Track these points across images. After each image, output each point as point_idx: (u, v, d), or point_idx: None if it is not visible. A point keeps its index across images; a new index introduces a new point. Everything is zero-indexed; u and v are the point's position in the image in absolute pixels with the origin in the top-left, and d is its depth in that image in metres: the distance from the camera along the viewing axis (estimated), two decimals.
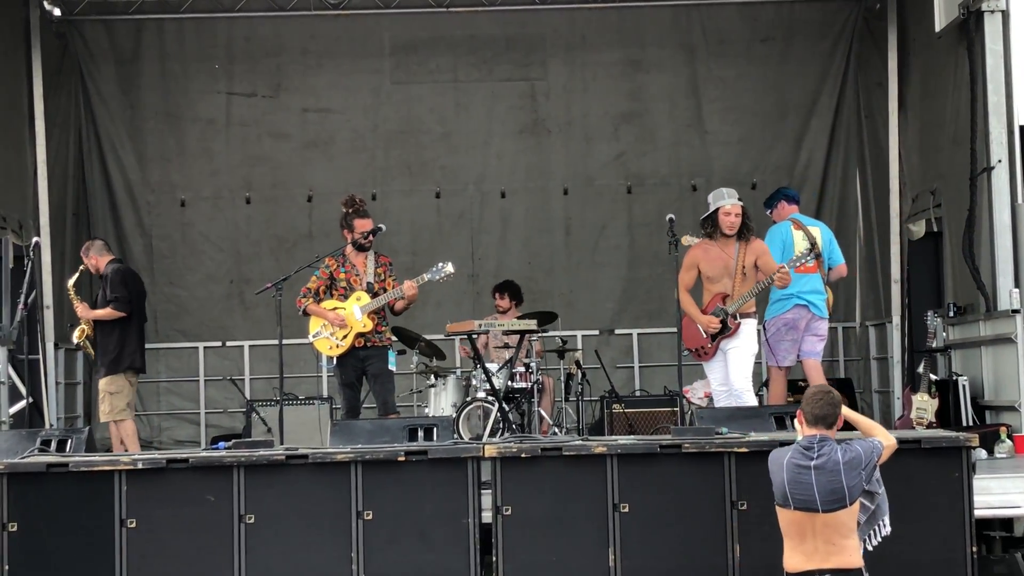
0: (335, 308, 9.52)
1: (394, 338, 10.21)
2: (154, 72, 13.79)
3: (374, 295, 9.52)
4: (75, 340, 10.44)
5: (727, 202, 9.16)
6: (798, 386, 10.48)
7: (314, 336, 9.59)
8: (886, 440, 6.28)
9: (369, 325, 9.47)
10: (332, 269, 9.62)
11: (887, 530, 6.32)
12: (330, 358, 9.62)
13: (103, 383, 10.13)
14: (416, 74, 13.97)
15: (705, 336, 9.24)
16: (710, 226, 9.24)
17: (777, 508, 6.22)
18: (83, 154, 13.69)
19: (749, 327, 9.27)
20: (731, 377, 9.23)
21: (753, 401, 9.26)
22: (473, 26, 13.86)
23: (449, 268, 9.58)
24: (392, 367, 9.71)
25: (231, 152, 13.98)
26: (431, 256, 13.06)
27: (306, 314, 9.66)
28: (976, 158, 10.47)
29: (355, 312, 9.46)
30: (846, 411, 6.33)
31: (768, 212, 10.15)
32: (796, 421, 6.50)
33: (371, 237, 9.67)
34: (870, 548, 6.31)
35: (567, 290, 14.01)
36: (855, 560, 6.08)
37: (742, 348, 9.23)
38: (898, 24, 12.75)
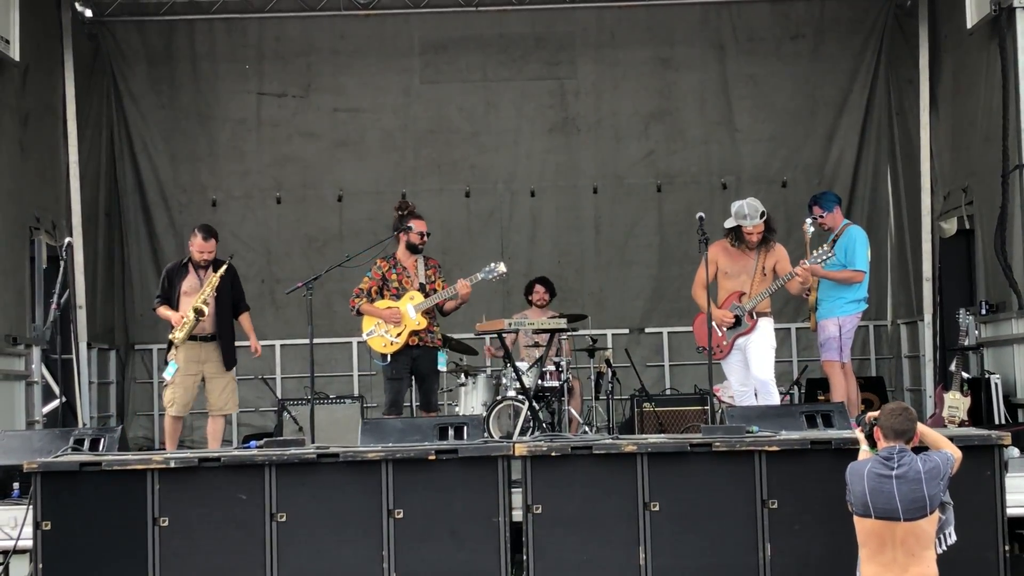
0: (389, 307, 9.67)
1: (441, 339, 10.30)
2: (185, 72, 13.86)
3: (427, 295, 9.69)
4: (191, 317, 9.63)
5: (748, 223, 9.26)
6: (827, 384, 10.42)
7: (368, 335, 9.74)
8: (955, 452, 6.40)
9: (423, 323, 9.67)
10: (384, 271, 9.81)
11: (953, 539, 6.37)
12: (383, 356, 9.70)
13: (232, 374, 9.97)
14: (445, 73, 13.98)
15: (720, 333, 9.24)
16: (733, 236, 9.34)
17: (856, 519, 6.30)
18: (115, 154, 13.77)
19: (766, 324, 9.34)
20: (754, 369, 9.24)
21: (776, 393, 9.27)
22: (502, 25, 13.86)
23: (502, 268, 9.80)
24: (442, 368, 9.99)
25: (261, 152, 14.03)
26: (461, 255, 13.15)
27: (359, 313, 9.79)
28: (1008, 155, 10.40)
29: (409, 311, 9.65)
30: (918, 426, 6.42)
31: (822, 213, 10.07)
32: (857, 431, 6.60)
33: (425, 239, 9.91)
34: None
35: (597, 289, 14.00)
36: (932, 571, 6.16)
37: (762, 343, 9.28)
38: (929, 21, 12.68)
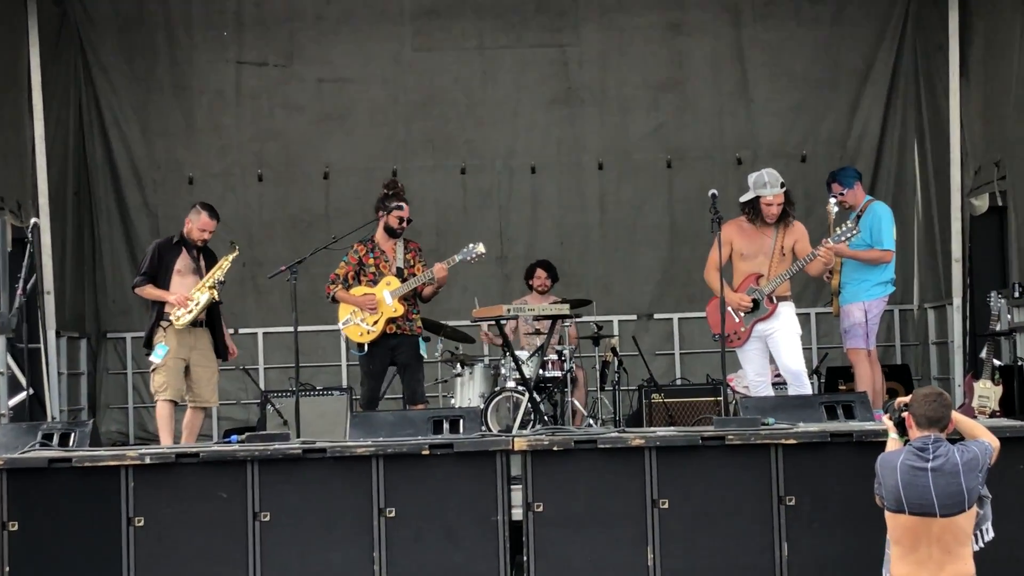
0: (365, 294, 9.70)
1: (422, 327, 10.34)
2: (159, 41, 13.84)
3: (404, 281, 9.73)
4: (204, 304, 9.72)
5: (768, 192, 9.18)
6: (850, 373, 10.48)
7: (344, 324, 9.84)
8: (993, 441, 6.32)
9: (400, 310, 9.74)
10: (361, 255, 9.88)
11: (991, 535, 6.30)
12: (360, 345, 9.76)
13: (216, 364, 10.03)
14: (439, 41, 13.97)
15: (737, 320, 9.23)
16: (750, 211, 9.27)
17: (887, 514, 6.22)
18: (84, 129, 13.77)
19: (788, 309, 9.31)
20: (785, 360, 9.21)
21: (809, 384, 9.28)
22: None
23: (480, 248, 9.85)
24: (423, 352, 10.05)
25: (241, 126, 14.04)
26: (456, 237, 13.16)
27: (335, 301, 9.86)
28: None
29: (385, 297, 9.72)
30: (953, 414, 6.35)
31: (842, 191, 10.07)
32: (884, 418, 6.56)
33: (405, 224, 9.97)
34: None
35: (602, 272, 14.03)
36: (970, 569, 6.10)
37: (788, 330, 9.25)
38: None
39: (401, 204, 9.96)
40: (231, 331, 13.71)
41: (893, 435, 6.44)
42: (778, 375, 9.80)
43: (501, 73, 14.04)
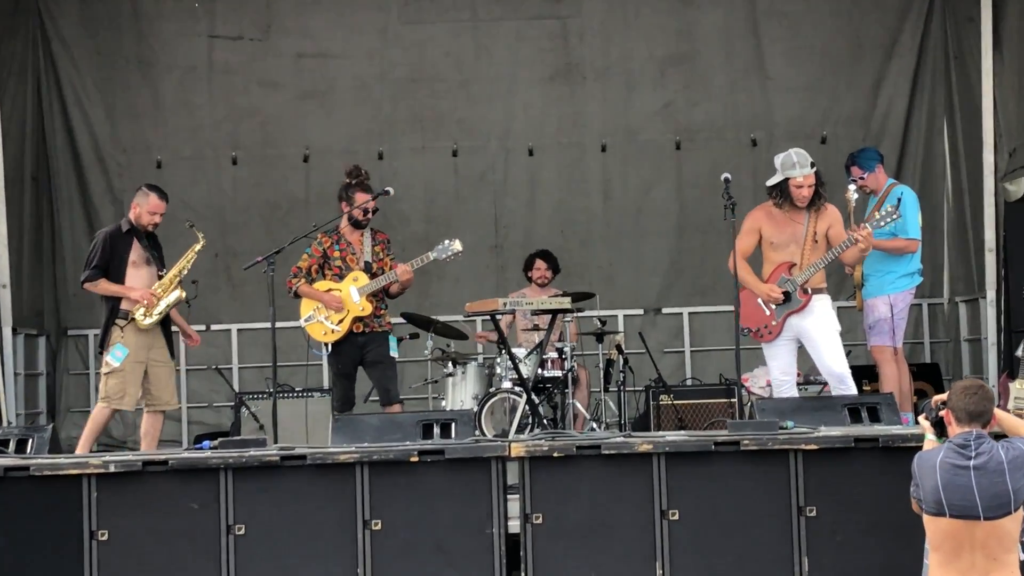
0: (329, 290, 9.71)
1: (394, 322, 10.34)
2: (124, 12, 13.82)
3: (373, 276, 9.77)
4: (171, 303, 9.71)
5: (798, 173, 9.11)
6: (874, 373, 10.47)
7: (306, 320, 9.85)
8: None
9: (368, 308, 9.74)
10: (325, 247, 9.89)
11: None
12: (324, 345, 9.76)
13: (172, 364, 9.97)
14: (428, 11, 13.96)
15: (768, 313, 9.21)
16: (778, 195, 9.21)
17: (926, 518, 6.16)
18: (43, 108, 13.72)
19: (823, 303, 9.26)
20: (827, 362, 9.14)
21: (854, 387, 9.23)
22: None
23: (457, 246, 9.86)
24: (394, 353, 9.99)
25: (214, 105, 14.02)
26: (448, 224, 13.17)
27: (297, 296, 9.89)
28: None
29: (352, 294, 9.73)
30: (995, 409, 6.30)
31: (863, 174, 10.05)
32: (921, 419, 6.51)
33: (370, 215, 9.98)
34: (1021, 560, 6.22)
35: (606, 263, 14.03)
36: None
37: (827, 327, 9.19)
38: None
39: (363, 192, 9.94)
40: (202, 327, 13.80)
41: (930, 436, 6.39)
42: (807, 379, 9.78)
43: (496, 47, 14.02)
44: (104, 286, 9.67)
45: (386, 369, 9.91)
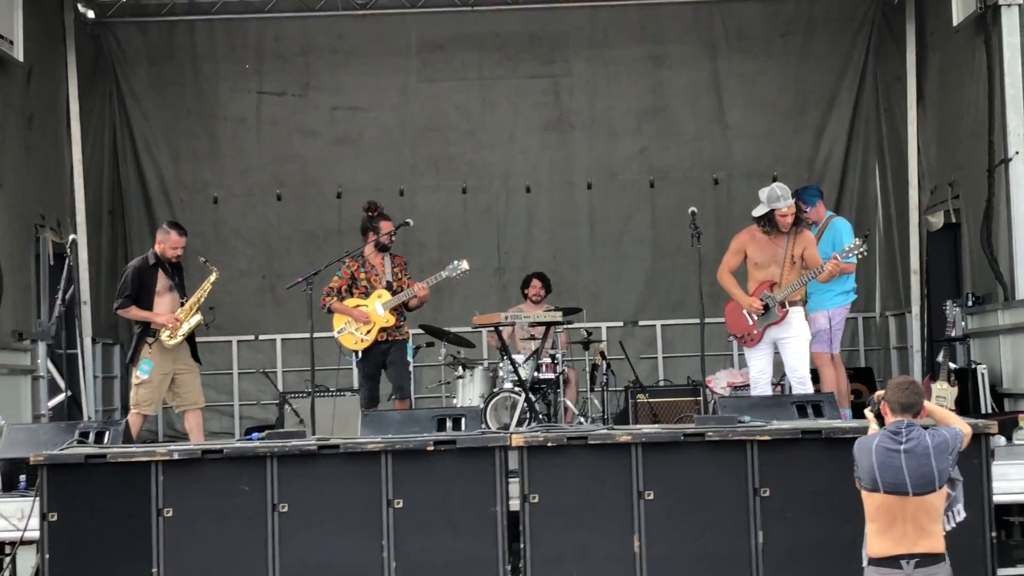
0: (358, 305, 9.81)
1: (413, 333, 10.42)
2: (186, 72, 13.86)
3: (394, 293, 9.86)
4: (192, 326, 9.52)
5: (782, 204, 9.04)
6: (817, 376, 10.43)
7: (338, 332, 9.90)
8: (964, 428, 6.25)
9: (391, 320, 9.84)
10: (353, 269, 9.96)
11: (962, 516, 6.25)
12: (355, 352, 9.80)
13: (197, 367, 9.76)
14: (442, 72, 13.98)
15: (751, 322, 9.18)
16: (766, 223, 9.13)
17: (864, 494, 6.14)
18: (118, 153, 13.76)
19: (798, 315, 9.20)
20: (792, 364, 9.12)
21: (811, 386, 9.22)
22: (498, 24, 13.86)
23: (464, 265, 9.94)
24: (409, 358, 10.13)
25: (262, 150, 14.03)
26: (458, 250, 13.13)
27: (330, 312, 9.92)
28: (993, 150, 10.43)
29: (377, 309, 9.81)
30: (925, 403, 6.27)
31: (805, 208, 10.03)
32: (866, 411, 6.49)
33: (393, 237, 10.01)
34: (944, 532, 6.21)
35: (592, 282, 14.01)
36: (940, 545, 6.02)
37: (800, 337, 9.15)
38: (916, 18, 12.69)
39: (386, 221, 10.00)
40: (251, 337, 13.81)
41: (874, 425, 6.36)
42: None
43: (499, 101, 14.05)
44: (134, 312, 9.47)
45: (401, 370, 9.98)
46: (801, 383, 9.15)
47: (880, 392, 6.39)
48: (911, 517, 5.99)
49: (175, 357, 9.51)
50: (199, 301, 9.53)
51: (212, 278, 9.59)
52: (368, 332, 9.82)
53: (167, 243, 9.52)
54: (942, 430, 6.13)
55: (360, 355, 9.90)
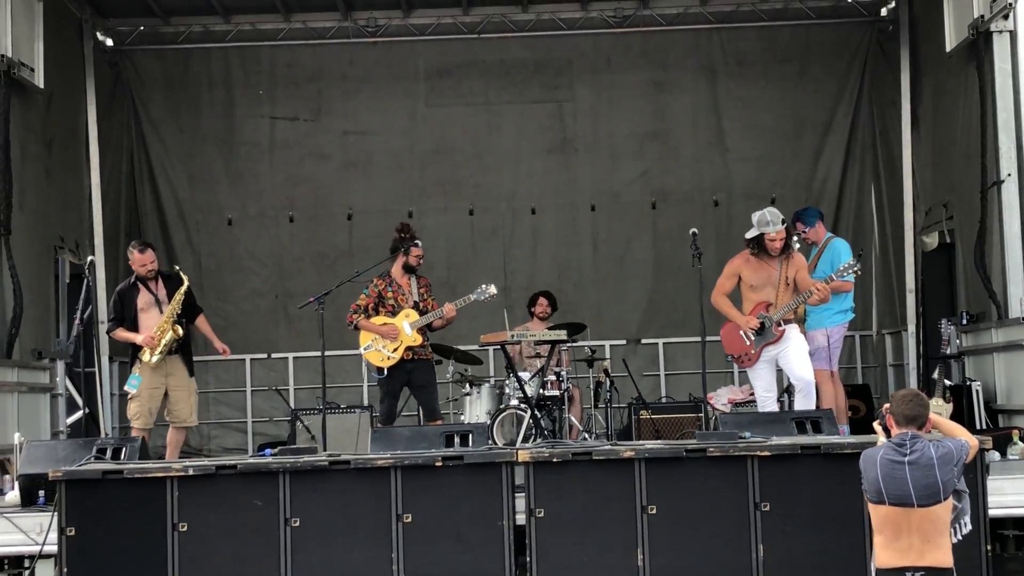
0: (385, 323, 9.75)
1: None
2: (202, 98, 13.90)
3: (421, 313, 9.83)
4: (167, 342, 9.35)
5: (771, 229, 9.05)
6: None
7: (365, 349, 9.84)
8: (970, 440, 6.15)
9: (419, 339, 9.83)
10: (380, 288, 9.93)
11: (968, 528, 6.16)
12: (380, 369, 9.75)
13: (194, 384, 9.65)
14: (450, 97, 14.01)
15: (748, 343, 9.16)
16: (755, 246, 9.14)
17: (870, 506, 6.05)
18: (135, 177, 13.80)
19: (795, 331, 9.19)
20: (798, 372, 9.07)
21: (814, 393, 9.15)
22: (504, 51, 13.89)
23: (492, 289, 9.97)
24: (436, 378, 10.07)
25: (275, 173, 14.05)
26: (465, 270, 13.18)
27: (356, 328, 9.86)
28: (986, 172, 10.42)
29: (406, 327, 9.77)
30: (931, 415, 6.19)
31: (805, 228, 10.04)
32: (875, 424, 6.43)
33: (421, 262, 10.03)
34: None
35: (595, 301, 13.99)
36: (948, 559, 5.91)
37: (797, 346, 9.12)
38: (910, 44, 12.70)
39: (418, 243, 10.00)
40: (264, 355, 13.80)
41: (882, 439, 6.26)
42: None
43: (505, 125, 14.07)
44: (119, 334, 9.52)
45: (431, 391, 9.97)
46: (807, 386, 9.06)
47: (888, 406, 6.33)
48: (916, 529, 5.89)
49: (167, 372, 9.44)
50: (172, 315, 9.39)
51: (183, 289, 9.48)
52: (395, 350, 9.78)
53: (134, 262, 9.54)
54: (947, 442, 6.04)
55: (386, 372, 9.82)
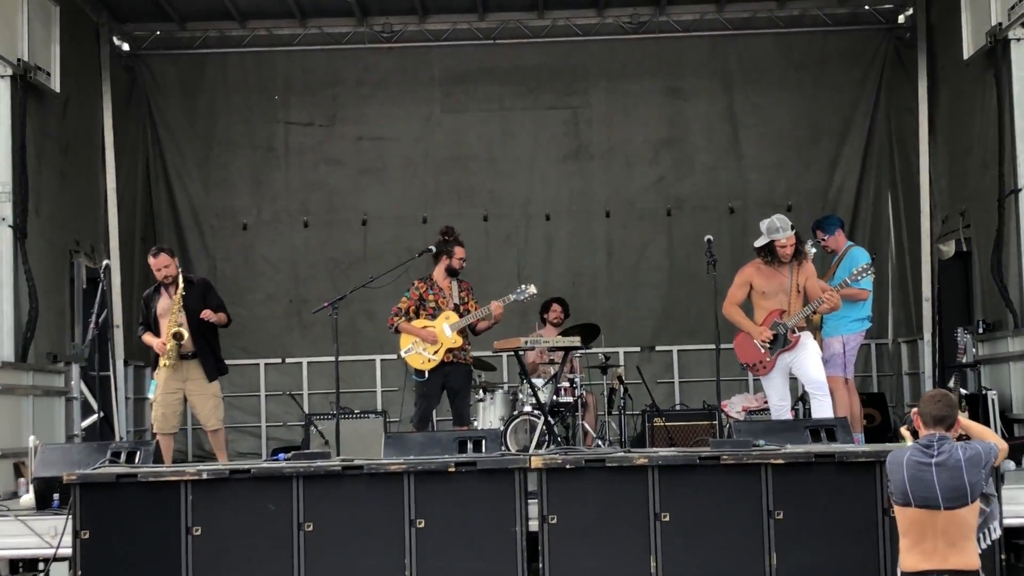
0: (425, 327, 9.79)
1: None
2: (217, 103, 13.96)
3: (461, 315, 9.86)
4: (172, 343, 9.37)
5: (781, 236, 9.05)
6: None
7: (406, 352, 9.88)
8: (1000, 443, 6.08)
9: (459, 342, 9.85)
10: (421, 291, 9.97)
11: (998, 534, 6.09)
12: (420, 371, 9.79)
13: (216, 388, 9.61)
14: (464, 103, 14.04)
15: (762, 351, 9.15)
16: (766, 253, 9.14)
17: (896, 508, 5.97)
18: (150, 181, 13.86)
19: (807, 337, 9.17)
20: (812, 376, 9.06)
21: (829, 397, 9.12)
22: (518, 57, 13.92)
23: (532, 289, 9.99)
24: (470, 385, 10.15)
25: (290, 178, 14.10)
26: (479, 276, 13.11)
27: (397, 331, 9.90)
28: (1004, 180, 10.41)
29: (445, 330, 9.80)
30: (960, 418, 6.12)
31: (824, 237, 10.05)
32: (903, 430, 6.39)
33: (464, 264, 10.03)
34: (980, 550, 6.03)
35: (609, 308, 13.99)
36: (974, 562, 5.83)
37: (811, 352, 9.11)
38: (927, 52, 12.70)
39: (460, 247, 10.03)
40: (278, 360, 13.84)
41: (910, 441, 6.20)
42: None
43: (519, 132, 14.09)
44: (146, 339, 9.62)
45: (465, 397, 10.02)
46: (820, 388, 9.05)
47: (916, 409, 6.28)
48: (942, 532, 5.81)
49: (185, 377, 9.49)
50: (173, 322, 9.39)
51: (180, 289, 9.44)
52: (436, 352, 9.80)
53: (153, 269, 9.57)
54: (975, 443, 5.95)
55: (426, 375, 9.83)
